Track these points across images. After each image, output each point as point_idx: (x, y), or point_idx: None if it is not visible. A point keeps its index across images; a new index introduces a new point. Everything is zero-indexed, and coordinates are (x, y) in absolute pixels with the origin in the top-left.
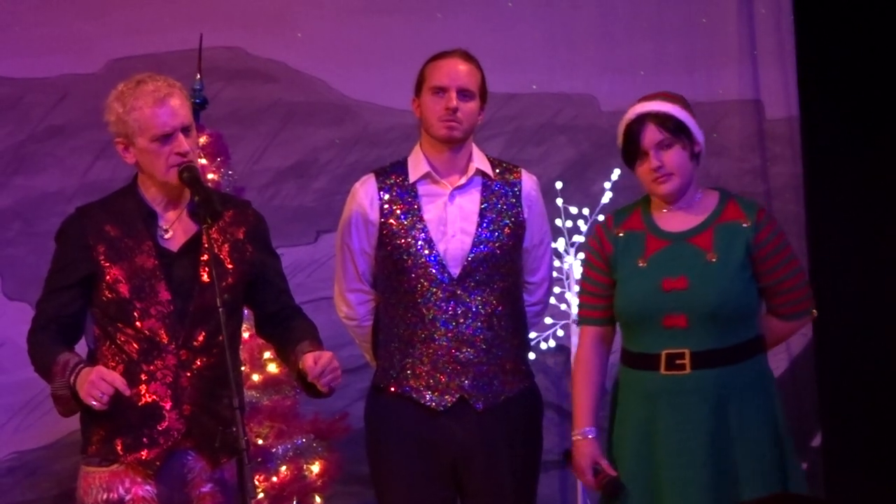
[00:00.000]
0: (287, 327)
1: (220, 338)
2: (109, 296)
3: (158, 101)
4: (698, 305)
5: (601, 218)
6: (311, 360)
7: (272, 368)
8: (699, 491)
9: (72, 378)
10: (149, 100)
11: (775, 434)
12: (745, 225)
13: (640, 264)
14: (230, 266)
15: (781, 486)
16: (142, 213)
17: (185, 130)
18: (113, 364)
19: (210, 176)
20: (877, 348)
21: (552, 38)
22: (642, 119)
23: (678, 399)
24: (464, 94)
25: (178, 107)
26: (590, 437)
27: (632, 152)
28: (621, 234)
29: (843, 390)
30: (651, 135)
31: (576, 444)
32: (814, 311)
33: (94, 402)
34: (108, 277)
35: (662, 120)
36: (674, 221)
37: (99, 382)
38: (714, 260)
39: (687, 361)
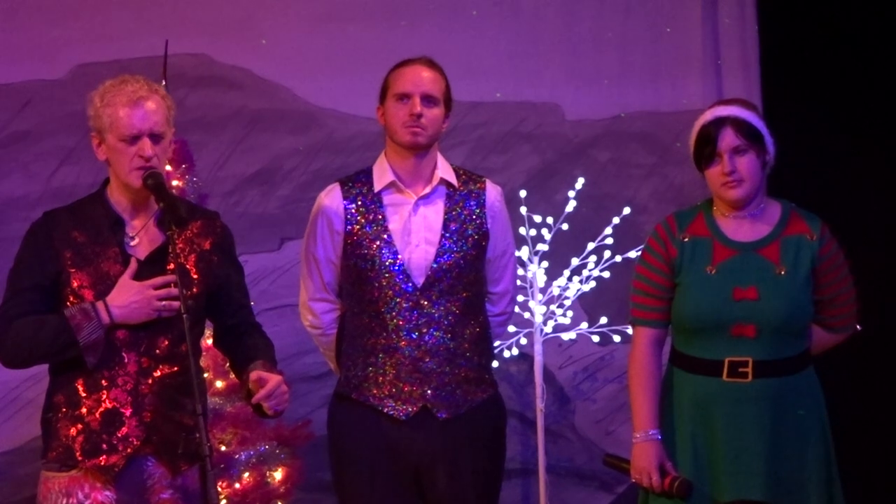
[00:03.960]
0: (242, 344)
1: (183, 347)
2: (74, 302)
3: (133, 102)
4: (769, 316)
5: (565, 227)
6: (257, 383)
7: None
8: (757, 498)
9: (103, 314)
10: (124, 99)
11: (826, 444)
12: (810, 239)
13: (709, 271)
14: (195, 276)
15: (828, 497)
16: (109, 219)
17: (155, 137)
18: (76, 368)
19: (175, 182)
20: (846, 353)
21: (517, 46)
22: (721, 122)
23: (738, 406)
24: (428, 100)
25: (151, 111)
26: (655, 438)
27: (705, 154)
28: (686, 240)
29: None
30: (728, 139)
31: (640, 445)
32: (857, 325)
33: (166, 311)
34: (73, 283)
35: (741, 125)
36: (740, 230)
37: (149, 293)
38: (783, 273)
39: (750, 370)
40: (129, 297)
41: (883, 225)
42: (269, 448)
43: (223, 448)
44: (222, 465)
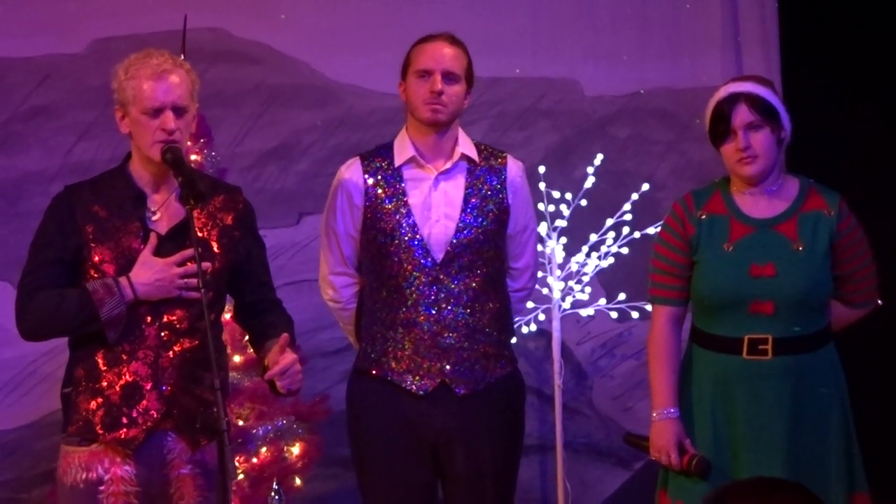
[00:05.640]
0: (262, 321)
1: (202, 322)
2: (95, 276)
3: (157, 75)
4: (787, 293)
5: (584, 203)
6: (273, 360)
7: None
8: (777, 475)
9: (127, 290)
10: (148, 72)
11: (846, 421)
12: (828, 214)
13: (727, 249)
14: (217, 251)
15: (849, 474)
16: (131, 193)
17: (178, 111)
18: (96, 342)
19: (193, 157)
20: (867, 329)
21: (536, 22)
22: (735, 98)
23: (758, 384)
24: (449, 77)
25: (174, 85)
26: (673, 416)
27: (720, 131)
28: (704, 217)
29: None
30: (742, 115)
31: (658, 423)
32: (879, 300)
33: (185, 291)
34: (94, 258)
35: (755, 102)
36: (757, 207)
37: (173, 271)
38: (800, 249)
39: (770, 347)
40: (152, 275)
41: None
42: (286, 423)
43: (241, 423)
44: (240, 440)
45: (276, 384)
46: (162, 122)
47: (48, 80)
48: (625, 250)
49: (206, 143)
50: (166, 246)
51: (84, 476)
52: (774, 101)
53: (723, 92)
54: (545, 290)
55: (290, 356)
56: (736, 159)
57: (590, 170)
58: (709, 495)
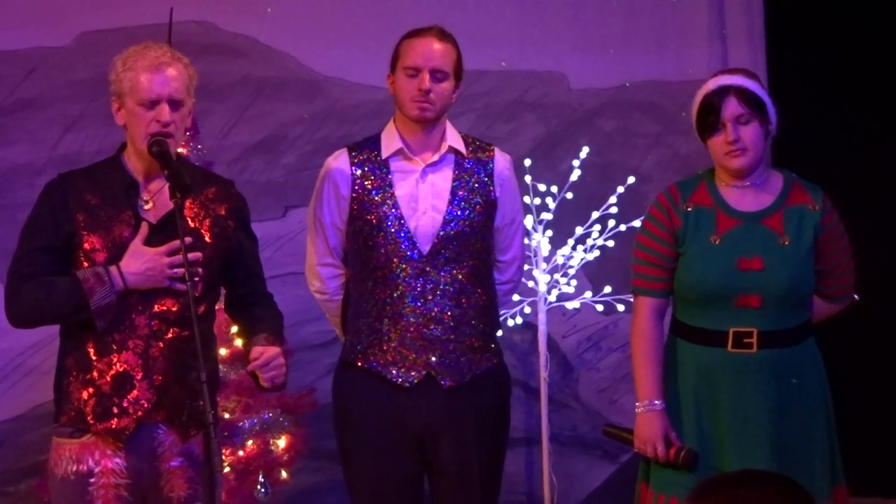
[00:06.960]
0: (251, 314)
1: (193, 311)
2: (87, 265)
3: (154, 67)
4: (774, 287)
5: (570, 196)
6: (257, 353)
7: (239, 343)
8: (762, 468)
9: (118, 279)
10: (146, 63)
11: (828, 413)
12: (812, 209)
13: (714, 242)
14: (209, 240)
15: (832, 467)
16: (124, 182)
17: (174, 104)
18: (87, 331)
19: (179, 150)
20: (846, 335)
21: (522, 15)
22: (724, 91)
23: (742, 377)
24: (437, 74)
25: (171, 78)
26: (659, 408)
27: (708, 123)
28: (690, 209)
29: None
30: (732, 107)
31: (644, 415)
32: (855, 295)
33: (174, 281)
34: (86, 245)
35: (745, 95)
36: (743, 200)
37: (163, 261)
38: (787, 243)
39: (754, 340)
40: (142, 264)
41: (886, 196)
42: (272, 416)
43: (227, 416)
44: (226, 433)
45: (259, 377)
46: (157, 114)
47: (35, 73)
48: (610, 243)
49: (192, 135)
50: (157, 235)
51: (75, 468)
52: (762, 94)
53: (711, 84)
54: (531, 283)
55: (273, 349)
56: (725, 152)
57: (576, 163)
58: (696, 487)
